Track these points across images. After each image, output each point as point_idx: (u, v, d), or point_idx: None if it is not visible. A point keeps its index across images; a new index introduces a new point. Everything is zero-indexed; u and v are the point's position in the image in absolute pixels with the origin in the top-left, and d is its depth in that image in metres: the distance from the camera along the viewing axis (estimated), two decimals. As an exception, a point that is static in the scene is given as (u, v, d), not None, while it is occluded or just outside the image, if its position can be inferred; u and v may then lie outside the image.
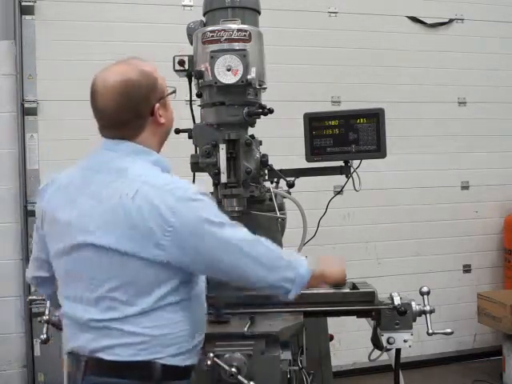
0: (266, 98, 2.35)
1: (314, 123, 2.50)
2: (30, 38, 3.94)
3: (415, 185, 4.68)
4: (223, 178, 2.14)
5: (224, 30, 2.18)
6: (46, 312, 2.11)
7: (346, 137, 2.48)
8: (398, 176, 4.61)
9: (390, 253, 4.64)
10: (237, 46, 2.17)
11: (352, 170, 2.53)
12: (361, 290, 2.18)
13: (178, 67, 2.28)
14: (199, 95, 2.26)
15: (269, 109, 2.24)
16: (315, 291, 2.22)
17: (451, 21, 4.81)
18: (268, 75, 2.32)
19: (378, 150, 2.47)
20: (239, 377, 1.71)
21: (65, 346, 1.64)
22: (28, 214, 3.92)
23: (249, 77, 2.13)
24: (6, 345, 3.91)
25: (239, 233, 1.57)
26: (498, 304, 4.14)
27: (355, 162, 2.54)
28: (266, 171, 2.36)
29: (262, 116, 2.26)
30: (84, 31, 4.02)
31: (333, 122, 2.50)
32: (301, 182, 2.39)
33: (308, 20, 4.44)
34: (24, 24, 3.94)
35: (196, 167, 2.27)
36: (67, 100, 3.96)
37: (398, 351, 2.21)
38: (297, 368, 2.07)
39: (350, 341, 4.36)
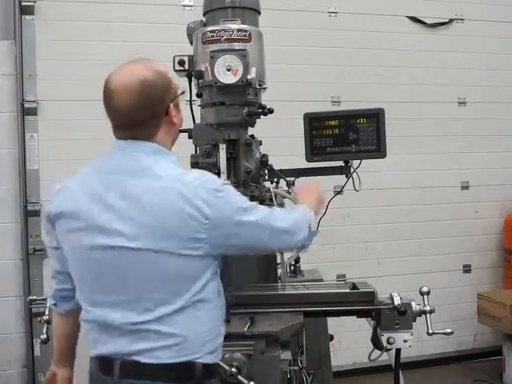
0: (265, 98, 2.36)
1: (314, 123, 2.50)
2: (30, 38, 3.94)
3: (415, 185, 4.68)
4: (223, 178, 2.14)
5: (224, 30, 2.18)
6: (46, 312, 2.11)
7: (345, 137, 2.48)
8: (398, 176, 4.61)
9: (390, 253, 4.64)
10: (237, 45, 2.18)
11: (352, 170, 2.53)
12: (361, 290, 2.18)
13: (178, 67, 2.28)
14: (199, 95, 2.27)
15: (269, 109, 2.24)
16: (315, 291, 2.23)
17: (451, 21, 4.81)
18: (268, 75, 2.32)
19: (378, 150, 2.47)
20: (239, 377, 1.71)
21: (88, 351, 1.62)
22: (28, 214, 3.93)
23: (249, 77, 2.13)
24: (5, 345, 3.91)
25: (264, 212, 1.64)
26: (498, 304, 4.14)
27: (355, 162, 2.54)
28: (266, 171, 2.36)
29: (262, 116, 2.26)
30: (84, 31, 4.02)
31: (333, 122, 2.50)
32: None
33: (308, 20, 4.44)
34: (24, 24, 3.94)
35: (196, 167, 2.27)
36: (67, 100, 3.96)
37: (398, 351, 2.21)
38: (297, 368, 2.07)
39: (349, 341, 4.36)
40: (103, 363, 1.56)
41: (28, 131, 3.95)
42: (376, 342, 2.16)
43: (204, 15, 2.33)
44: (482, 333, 4.81)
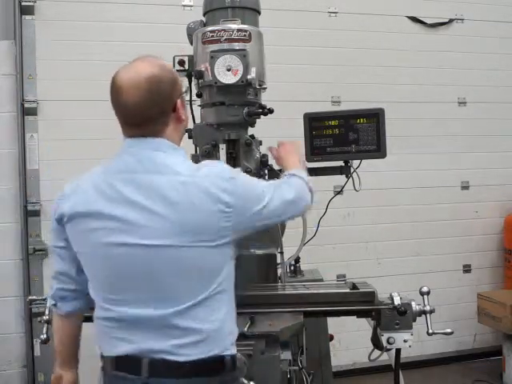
0: (265, 98, 2.36)
1: (314, 123, 2.50)
2: (30, 38, 3.94)
3: (415, 185, 4.68)
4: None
5: (224, 30, 2.18)
6: (46, 312, 2.11)
7: (345, 137, 2.48)
8: (398, 176, 4.60)
9: (390, 253, 4.64)
10: (237, 46, 2.18)
11: (352, 170, 2.53)
12: (361, 290, 2.18)
13: (178, 67, 2.28)
14: (199, 95, 2.27)
15: (269, 109, 2.24)
16: (315, 291, 2.23)
17: (451, 21, 4.81)
18: (268, 75, 2.32)
19: (378, 150, 2.47)
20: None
21: (105, 351, 1.60)
22: (28, 214, 3.93)
23: (249, 77, 2.13)
24: (5, 345, 3.91)
25: (274, 188, 1.70)
26: (498, 304, 4.14)
27: (355, 162, 2.54)
28: (266, 171, 2.36)
29: (262, 116, 2.26)
30: (84, 31, 4.02)
31: (333, 122, 2.50)
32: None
33: (308, 20, 4.44)
34: (24, 24, 3.94)
35: (196, 167, 2.27)
36: (67, 100, 3.96)
37: (398, 351, 2.21)
38: (297, 368, 2.07)
39: (349, 341, 4.36)
40: (128, 362, 1.54)
41: (28, 131, 3.95)
42: (376, 342, 2.16)
43: (204, 15, 2.33)
44: (482, 333, 4.81)
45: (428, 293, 2.11)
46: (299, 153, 2.13)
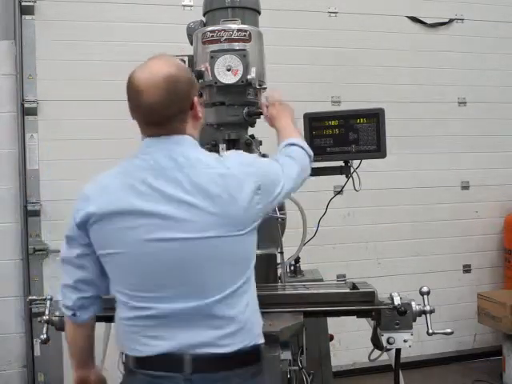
0: (266, 98, 2.35)
1: (314, 123, 2.50)
2: (30, 38, 3.94)
3: (415, 185, 4.68)
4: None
5: (224, 30, 2.18)
6: (46, 312, 2.11)
7: (346, 137, 2.48)
8: (398, 176, 4.60)
9: (390, 253, 4.64)
10: (237, 46, 2.18)
11: (352, 170, 2.53)
12: (361, 290, 2.18)
13: (177, 67, 2.28)
14: (199, 95, 2.26)
15: (269, 109, 2.24)
16: (315, 291, 2.23)
17: (451, 21, 4.81)
18: (268, 75, 2.32)
19: (378, 150, 2.47)
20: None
21: (135, 351, 1.57)
22: (28, 214, 3.93)
23: (249, 77, 2.13)
24: (6, 345, 3.91)
25: (285, 163, 1.79)
26: (498, 304, 4.14)
27: (355, 162, 2.54)
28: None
29: (262, 116, 2.26)
30: (84, 31, 4.02)
31: (333, 122, 2.50)
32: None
33: (308, 20, 4.44)
34: (24, 24, 3.93)
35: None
36: (67, 100, 3.96)
37: (398, 351, 2.20)
38: (297, 368, 2.07)
39: (349, 341, 4.36)
40: (168, 360, 1.53)
41: (28, 131, 3.95)
42: (376, 342, 2.16)
43: (204, 15, 2.33)
44: (482, 333, 4.81)
45: (428, 293, 2.11)
46: (290, 112, 2.15)
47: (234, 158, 1.65)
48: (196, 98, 1.64)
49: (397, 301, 2.04)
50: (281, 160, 1.81)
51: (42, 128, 3.97)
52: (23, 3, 3.91)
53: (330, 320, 2.62)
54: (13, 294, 3.92)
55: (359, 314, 2.19)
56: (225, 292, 1.55)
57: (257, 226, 1.62)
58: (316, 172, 2.54)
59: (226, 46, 2.18)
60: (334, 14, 4.55)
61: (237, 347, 1.54)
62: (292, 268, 2.77)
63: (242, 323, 1.56)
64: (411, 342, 2.06)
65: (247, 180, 1.57)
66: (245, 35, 2.19)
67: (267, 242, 2.33)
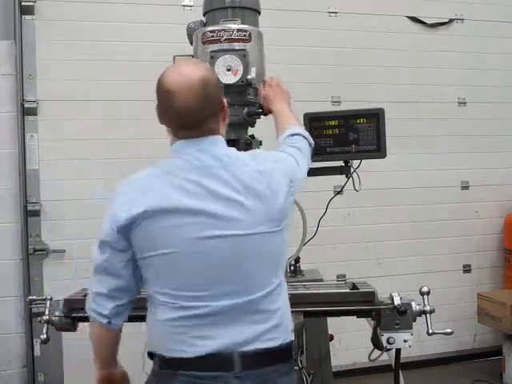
0: (266, 98, 2.35)
1: (314, 123, 2.50)
2: (30, 38, 3.94)
3: (415, 185, 4.68)
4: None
5: (224, 30, 2.18)
6: (46, 312, 2.11)
7: (346, 137, 2.48)
8: (398, 176, 4.60)
9: (390, 253, 4.64)
10: (237, 46, 2.18)
11: (352, 170, 2.53)
12: (361, 290, 2.18)
13: (178, 67, 2.28)
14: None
15: (269, 109, 2.24)
16: (315, 291, 2.23)
17: (451, 21, 4.81)
18: (268, 75, 2.32)
19: (378, 150, 2.47)
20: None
21: (179, 352, 1.54)
22: (28, 214, 3.93)
23: (249, 77, 2.13)
24: (6, 345, 3.91)
25: (294, 153, 1.85)
26: (498, 304, 4.14)
27: (355, 162, 2.54)
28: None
29: (262, 116, 2.26)
30: (84, 31, 4.01)
31: (333, 122, 2.50)
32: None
33: (308, 20, 4.44)
34: (24, 24, 3.93)
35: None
36: (67, 100, 3.96)
37: (398, 351, 2.20)
38: (297, 368, 2.07)
39: (349, 341, 4.36)
40: (216, 360, 1.52)
41: (28, 131, 3.94)
42: (376, 342, 2.16)
43: (204, 15, 2.33)
44: (482, 333, 4.81)
45: (428, 293, 2.11)
46: (286, 96, 2.20)
47: (261, 155, 1.70)
48: (224, 100, 1.67)
49: (397, 301, 2.04)
50: (290, 152, 1.85)
51: (42, 128, 3.96)
52: (23, 3, 3.91)
53: (330, 320, 2.62)
54: (13, 294, 3.91)
55: (359, 313, 2.19)
56: (269, 287, 1.58)
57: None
58: (316, 172, 2.55)
59: (226, 46, 2.18)
60: (334, 14, 4.55)
61: (279, 342, 1.58)
62: (292, 268, 2.78)
63: (282, 318, 1.60)
64: (411, 342, 2.06)
65: (281, 176, 1.64)
66: (245, 35, 2.19)
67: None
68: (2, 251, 3.90)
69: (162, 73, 1.61)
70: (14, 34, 3.90)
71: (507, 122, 4.90)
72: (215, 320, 1.54)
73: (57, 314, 2.08)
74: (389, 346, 2.07)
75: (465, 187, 4.86)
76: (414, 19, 4.73)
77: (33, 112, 3.94)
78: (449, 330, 2.07)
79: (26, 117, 3.94)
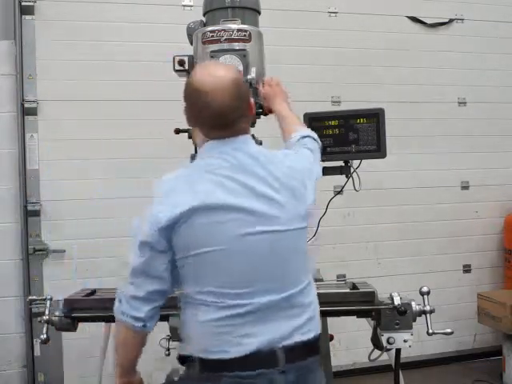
0: (266, 98, 2.35)
1: (314, 123, 2.50)
2: (30, 38, 3.94)
3: (415, 185, 4.68)
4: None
5: (224, 30, 2.19)
6: (46, 312, 2.11)
7: (345, 137, 2.49)
8: (398, 176, 4.60)
9: (389, 253, 4.64)
10: (237, 45, 2.18)
11: (352, 170, 2.53)
12: (361, 290, 2.18)
13: (177, 67, 2.29)
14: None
15: (269, 109, 2.24)
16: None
17: (451, 21, 4.81)
18: (268, 75, 2.32)
19: (378, 150, 2.47)
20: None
21: (221, 352, 1.53)
22: (28, 214, 3.93)
23: (249, 77, 2.14)
24: (6, 345, 3.91)
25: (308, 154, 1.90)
26: (498, 304, 4.14)
27: (355, 162, 2.54)
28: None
29: (262, 116, 2.26)
30: (84, 31, 4.01)
31: (333, 122, 2.50)
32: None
33: (308, 20, 4.44)
34: (24, 24, 3.93)
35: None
36: (67, 100, 3.96)
37: (398, 351, 2.21)
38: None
39: (350, 341, 4.35)
40: (260, 358, 1.53)
41: (28, 131, 3.94)
42: (376, 342, 2.16)
43: (204, 15, 2.33)
44: (482, 333, 4.81)
45: (428, 293, 2.11)
46: (285, 95, 2.23)
47: (291, 153, 1.79)
48: (252, 100, 1.71)
49: (397, 301, 2.04)
50: (307, 154, 1.89)
51: (42, 128, 3.96)
52: (23, 3, 3.91)
53: (330, 320, 2.62)
54: (13, 294, 3.91)
55: (359, 313, 2.20)
56: (303, 282, 1.64)
57: None
58: (316, 172, 2.55)
59: (226, 45, 2.18)
60: (334, 14, 4.55)
61: (312, 334, 1.62)
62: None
63: (315, 311, 1.65)
64: (411, 342, 2.07)
65: (309, 173, 1.73)
66: (245, 35, 2.19)
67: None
68: (2, 251, 3.90)
69: (192, 75, 1.65)
70: (14, 34, 3.90)
71: (507, 121, 4.90)
72: (256, 317, 1.55)
73: (57, 314, 2.09)
74: (389, 346, 2.08)
75: (465, 187, 4.86)
76: (414, 19, 4.73)
77: (33, 112, 3.94)
78: (449, 330, 2.07)
79: (25, 117, 3.94)
